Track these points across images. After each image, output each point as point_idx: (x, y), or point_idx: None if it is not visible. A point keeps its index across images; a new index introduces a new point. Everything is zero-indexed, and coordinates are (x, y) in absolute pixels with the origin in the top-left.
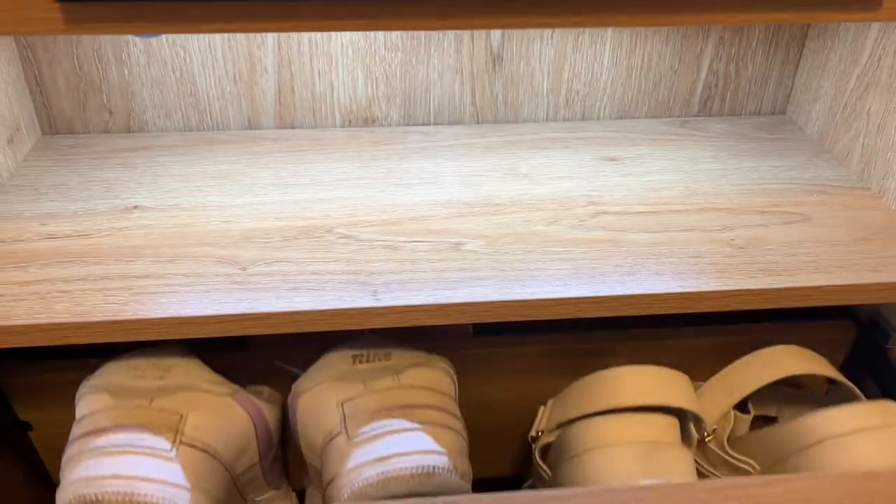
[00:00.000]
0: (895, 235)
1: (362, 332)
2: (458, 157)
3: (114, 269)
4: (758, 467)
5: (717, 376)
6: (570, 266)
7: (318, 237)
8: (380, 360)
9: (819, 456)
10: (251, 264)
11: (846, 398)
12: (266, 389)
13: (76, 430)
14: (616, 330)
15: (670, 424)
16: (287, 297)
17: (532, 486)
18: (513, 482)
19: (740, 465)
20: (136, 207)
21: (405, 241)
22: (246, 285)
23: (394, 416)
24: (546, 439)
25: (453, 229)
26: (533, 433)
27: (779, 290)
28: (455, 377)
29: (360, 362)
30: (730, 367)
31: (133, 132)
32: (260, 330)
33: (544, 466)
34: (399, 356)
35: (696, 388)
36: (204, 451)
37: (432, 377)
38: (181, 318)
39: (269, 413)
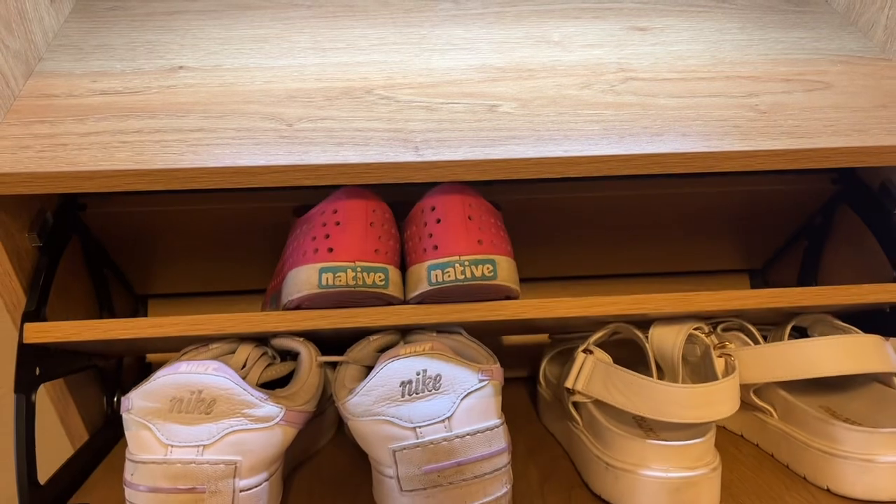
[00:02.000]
0: None
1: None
2: (488, 25)
3: (167, 122)
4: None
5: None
6: (601, 127)
7: (358, 98)
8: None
9: None
10: (297, 121)
11: None
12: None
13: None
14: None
15: None
16: (334, 151)
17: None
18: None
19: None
20: (181, 68)
21: (442, 103)
22: (294, 140)
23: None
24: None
25: (488, 92)
26: (570, 385)
27: (799, 150)
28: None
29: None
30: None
31: None
32: (310, 181)
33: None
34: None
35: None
36: (258, 484)
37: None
38: (236, 168)
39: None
